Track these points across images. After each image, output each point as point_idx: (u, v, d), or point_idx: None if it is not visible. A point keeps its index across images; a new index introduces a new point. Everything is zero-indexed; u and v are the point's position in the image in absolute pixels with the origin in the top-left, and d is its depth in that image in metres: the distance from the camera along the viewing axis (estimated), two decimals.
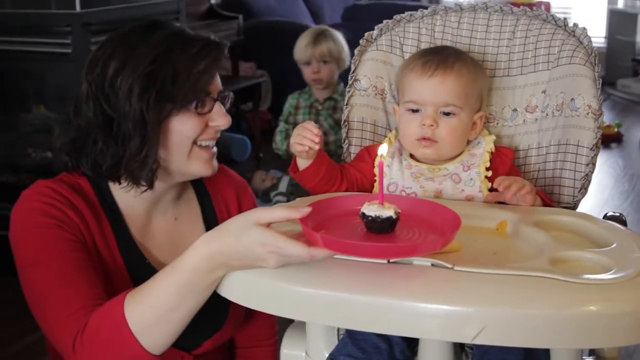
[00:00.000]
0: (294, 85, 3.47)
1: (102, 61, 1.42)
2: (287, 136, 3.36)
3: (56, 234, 1.40)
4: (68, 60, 3.30)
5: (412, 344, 1.36)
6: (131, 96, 1.39)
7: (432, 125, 1.49)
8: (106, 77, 1.40)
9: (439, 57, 1.52)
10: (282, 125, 3.41)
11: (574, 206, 1.54)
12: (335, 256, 1.17)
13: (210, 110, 1.46)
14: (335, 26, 5.52)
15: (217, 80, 1.49)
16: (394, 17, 1.70)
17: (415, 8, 1.73)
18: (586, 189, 1.52)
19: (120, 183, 1.46)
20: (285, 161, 3.45)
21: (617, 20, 7.28)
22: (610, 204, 4.29)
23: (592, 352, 1.46)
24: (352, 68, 1.67)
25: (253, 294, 1.23)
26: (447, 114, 1.50)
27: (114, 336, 1.27)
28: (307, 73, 3.31)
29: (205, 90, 1.45)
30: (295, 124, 3.31)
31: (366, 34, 1.68)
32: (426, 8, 1.72)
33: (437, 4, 1.73)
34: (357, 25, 5.12)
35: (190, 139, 1.45)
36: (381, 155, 1.25)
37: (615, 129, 5.67)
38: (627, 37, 7.23)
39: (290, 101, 3.41)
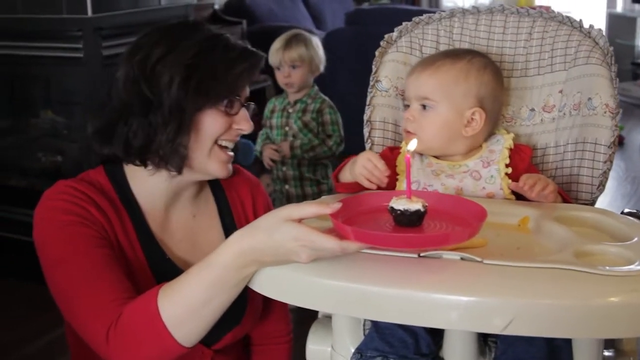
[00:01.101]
0: None
1: (146, 47, 1.48)
2: (267, 139, 3.42)
3: (81, 231, 1.43)
4: (79, 65, 3.32)
5: (436, 337, 1.39)
6: (171, 84, 1.44)
7: (409, 119, 1.56)
8: (149, 62, 1.46)
9: (428, 58, 1.61)
10: (263, 130, 3.48)
11: (592, 203, 1.57)
12: (367, 251, 1.20)
13: (236, 113, 1.52)
14: (338, 31, 5.59)
15: (247, 89, 1.55)
16: (413, 19, 1.73)
17: (417, 12, 1.78)
18: (604, 186, 1.55)
19: (146, 166, 1.50)
20: None
21: (616, 24, 7.33)
22: (613, 207, 4.32)
23: (610, 346, 1.49)
24: (374, 69, 1.70)
25: (284, 288, 1.26)
26: (424, 107, 1.55)
27: (147, 328, 1.30)
28: (279, 77, 3.36)
29: (237, 93, 1.51)
30: (270, 127, 3.39)
31: (386, 36, 1.72)
32: (433, 12, 1.77)
33: (437, 8, 1.76)
34: (360, 29, 5.18)
35: (213, 137, 1.50)
36: (407, 151, 1.28)
37: (618, 133, 5.69)
38: (626, 40, 7.27)
39: (268, 105, 3.47)
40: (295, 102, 3.37)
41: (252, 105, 1.58)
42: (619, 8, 7.79)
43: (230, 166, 1.56)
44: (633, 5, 7.48)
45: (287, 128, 3.36)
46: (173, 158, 1.47)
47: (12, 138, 3.80)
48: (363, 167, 1.49)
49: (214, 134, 1.50)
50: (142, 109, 1.46)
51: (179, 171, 1.50)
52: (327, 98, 3.38)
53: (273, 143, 3.38)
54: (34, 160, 3.72)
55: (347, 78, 3.92)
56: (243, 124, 1.54)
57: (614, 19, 7.48)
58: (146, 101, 1.45)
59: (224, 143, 1.53)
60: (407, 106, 1.59)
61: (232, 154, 1.56)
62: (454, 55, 1.59)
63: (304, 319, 1.63)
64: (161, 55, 1.46)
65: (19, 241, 3.52)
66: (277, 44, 3.35)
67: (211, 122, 1.49)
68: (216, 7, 5.71)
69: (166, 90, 1.44)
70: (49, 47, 3.39)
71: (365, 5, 7.20)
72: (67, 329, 1.60)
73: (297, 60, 3.29)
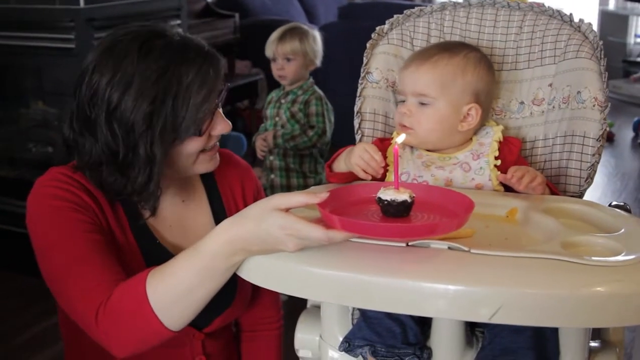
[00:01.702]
0: None
1: (102, 87, 1.42)
2: (265, 130, 3.44)
3: (72, 216, 1.44)
4: (71, 55, 3.33)
5: (424, 327, 1.40)
6: (134, 133, 1.42)
7: (405, 113, 1.56)
8: (110, 105, 1.41)
9: (423, 52, 1.61)
10: (264, 121, 3.51)
11: (580, 195, 1.58)
12: (355, 240, 1.21)
13: (209, 125, 1.50)
14: (330, 25, 5.60)
15: (217, 90, 1.50)
16: (404, 11, 1.74)
17: (410, 7, 1.77)
18: (592, 179, 1.56)
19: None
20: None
21: (608, 22, 7.35)
22: (603, 202, 4.32)
23: (597, 337, 1.50)
24: (365, 61, 1.71)
25: (273, 276, 1.27)
26: (422, 103, 1.55)
27: (135, 311, 1.31)
28: (273, 69, 3.39)
29: (205, 118, 1.48)
30: (265, 118, 3.44)
31: (377, 28, 1.72)
32: (425, 5, 1.77)
33: (430, 3, 1.76)
34: (353, 24, 5.19)
35: (194, 155, 1.51)
36: (395, 142, 1.29)
37: (608, 129, 5.73)
38: (618, 38, 7.31)
39: (268, 98, 3.51)
40: (287, 94, 3.39)
41: (224, 87, 1.51)
42: (611, 5, 7.82)
43: (217, 157, 1.57)
44: (625, 3, 7.52)
45: (277, 118, 3.39)
46: (147, 201, 1.50)
47: (2, 128, 3.79)
48: (359, 158, 1.49)
49: (194, 153, 1.50)
50: (110, 155, 1.44)
51: (153, 212, 1.53)
52: (318, 90, 3.39)
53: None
54: (25, 151, 3.73)
55: (339, 72, 3.93)
56: (219, 127, 1.51)
57: (606, 17, 7.51)
58: (111, 148, 1.44)
59: (207, 148, 1.53)
60: (402, 101, 1.60)
61: (217, 145, 1.56)
62: (450, 49, 1.59)
63: (294, 310, 1.63)
64: (118, 101, 1.41)
65: (9, 232, 3.52)
66: (273, 36, 3.37)
67: (187, 148, 1.48)
68: (209, 0, 5.70)
69: (129, 140, 1.42)
70: (40, 37, 3.40)
71: (358, 0, 7.21)
72: (60, 318, 1.61)
73: (290, 54, 3.31)
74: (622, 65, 7.34)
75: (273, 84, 5.38)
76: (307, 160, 3.40)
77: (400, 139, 1.33)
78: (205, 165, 1.55)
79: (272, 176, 3.41)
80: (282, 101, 3.39)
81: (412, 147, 1.59)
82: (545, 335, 1.35)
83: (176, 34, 1.49)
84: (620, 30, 7.40)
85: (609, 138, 5.74)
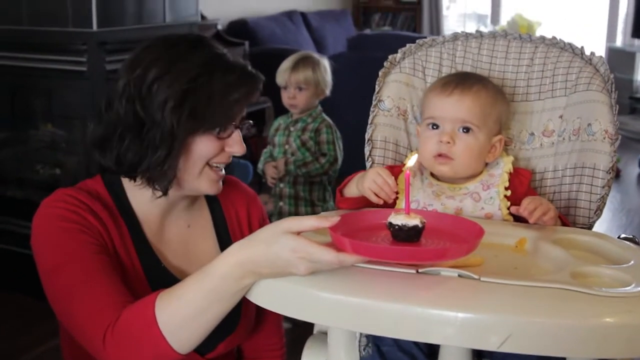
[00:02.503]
0: None
1: (144, 64, 1.46)
2: (270, 157, 3.43)
3: (79, 237, 1.44)
4: (82, 78, 3.33)
5: (433, 358, 1.40)
6: (165, 107, 1.43)
7: (448, 142, 1.53)
8: (145, 80, 1.45)
9: (459, 79, 1.58)
10: (267, 148, 3.49)
11: (589, 227, 1.58)
12: (365, 265, 1.21)
13: (229, 136, 1.51)
14: (339, 55, 5.62)
15: (244, 109, 1.54)
16: (417, 41, 1.75)
17: (419, 39, 1.78)
18: (601, 211, 1.57)
19: (135, 181, 1.51)
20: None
21: (616, 58, 7.38)
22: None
23: None
24: (377, 89, 1.72)
25: (281, 299, 1.27)
26: (466, 130, 1.54)
27: (143, 333, 1.31)
28: (284, 97, 3.36)
29: (232, 118, 1.50)
30: (273, 145, 3.40)
31: (390, 57, 1.74)
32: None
33: (438, 36, 1.78)
34: (362, 54, 5.22)
35: (204, 159, 1.50)
36: (408, 167, 1.30)
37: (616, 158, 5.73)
38: (625, 74, 7.33)
39: (274, 124, 3.49)
40: (297, 121, 3.39)
41: (249, 123, 1.57)
42: (619, 42, 7.85)
43: (220, 184, 1.57)
44: (633, 40, 7.54)
45: (287, 146, 3.38)
46: (161, 180, 1.48)
47: (11, 149, 3.80)
48: (372, 182, 1.49)
49: (205, 157, 1.50)
50: (135, 127, 1.46)
51: (165, 192, 1.50)
52: (327, 118, 3.39)
53: (274, 161, 3.41)
54: (33, 172, 3.72)
55: (348, 101, 3.94)
56: (235, 147, 1.53)
57: (613, 53, 7.53)
58: (139, 120, 1.46)
59: (215, 164, 1.53)
60: (433, 127, 1.56)
61: (223, 172, 1.56)
62: (481, 80, 1.59)
63: (297, 338, 1.63)
64: (157, 76, 1.45)
65: (15, 253, 3.52)
66: (285, 64, 3.35)
67: (203, 147, 1.49)
68: (219, 27, 5.74)
69: (159, 114, 1.44)
70: (52, 59, 3.41)
71: (368, 31, 7.26)
72: (63, 340, 1.61)
73: (302, 83, 3.30)
74: (629, 102, 7.36)
75: (280, 112, 5.41)
76: (317, 188, 3.40)
77: (411, 162, 1.34)
78: (209, 184, 1.54)
79: (281, 204, 3.40)
80: (292, 129, 3.39)
81: (422, 175, 1.60)
82: None
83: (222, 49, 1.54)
84: (628, 66, 7.42)
85: (616, 174, 5.73)
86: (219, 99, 1.45)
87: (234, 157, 1.56)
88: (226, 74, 1.47)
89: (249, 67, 1.52)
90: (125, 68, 1.49)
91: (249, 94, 1.50)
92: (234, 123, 1.51)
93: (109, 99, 1.50)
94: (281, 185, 3.39)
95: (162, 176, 1.47)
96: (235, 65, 1.50)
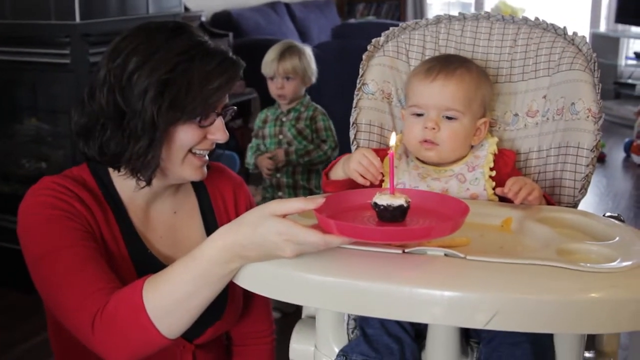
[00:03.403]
0: None
1: (124, 54, 1.46)
2: (257, 151, 3.41)
3: (65, 224, 1.44)
4: (66, 71, 3.32)
5: (421, 343, 1.40)
6: (145, 97, 1.43)
7: (434, 129, 1.54)
8: (125, 70, 1.44)
9: (442, 64, 1.57)
10: (253, 141, 3.46)
11: (574, 206, 1.59)
12: (351, 246, 1.21)
13: (211, 124, 1.51)
14: (324, 44, 5.62)
15: (226, 97, 1.53)
16: (400, 24, 1.75)
17: None
18: (586, 189, 1.57)
19: (119, 171, 1.51)
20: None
21: (599, 44, 7.39)
22: None
23: (591, 347, 1.50)
24: (360, 72, 1.72)
25: (269, 282, 1.27)
26: (449, 118, 1.54)
27: (131, 318, 1.31)
28: (272, 88, 3.34)
29: (213, 106, 1.49)
30: (263, 137, 3.38)
31: (373, 40, 1.74)
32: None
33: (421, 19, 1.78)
34: (347, 43, 5.21)
35: (187, 147, 1.50)
36: (391, 147, 1.29)
37: (600, 148, 5.76)
38: (609, 60, 7.35)
39: (260, 116, 3.46)
40: (289, 111, 3.37)
41: (232, 109, 1.56)
42: (602, 28, 7.88)
43: (204, 169, 1.57)
44: (616, 25, 7.57)
45: (280, 136, 3.36)
46: (144, 170, 1.48)
47: None
48: (358, 163, 1.49)
49: (188, 145, 1.50)
50: (117, 117, 1.46)
51: (149, 182, 1.51)
52: (319, 106, 3.39)
53: (266, 153, 3.38)
54: (18, 167, 3.71)
55: (333, 89, 3.93)
56: (218, 134, 1.53)
57: (597, 39, 7.55)
58: (120, 110, 1.46)
59: (198, 152, 1.53)
60: (418, 115, 1.57)
61: (206, 158, 1.56)
62: (465, 62, 1.59)
63: (287, 326, 1.63)
64: (137, 66, 1.44)
65: (3, 248, 3.50)
66: (271, 54, 3.34)
67: (184, 135, 1.49)
68: (203, 19, 5.72)
69: (140, 104, 1.43)
70: (36, 52, 3.39)
71: (352, 21, 7.25)
72: (51, 333, 1.61)
73: (290, 72, 3.29)
74: (614, 87, 7.40)
75: (266, 103, 5.41)
76: (314, 176, 3.39)
77: (392, 141, 1.33)
78: (192, 171, 1.54)
79: (280, 194, 3.38)
80: (284, 119, 3.37)
81: (407, 158, 1.60)
82: (542, 346, 1.34)
83: (203, 35, 1.53)
84: (611, 52, 7.45)
85: (601, 159, 5.76)
86: (198, 87, 1.45)
87: (219, 148, 1.56)
88: (205, 62, 1.46)
89: (230, 54, 1.51)
90: (106, 58, 1.49)
91: (229, 81, 1.49)
92: (215, 111, 1.51)
93: (91, 88, 1.49)
94: (278, 175, 3.37)
95: (145, 166, 1.47)
96: (216, 52, 1.49)
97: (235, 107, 1.58)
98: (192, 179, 1.57)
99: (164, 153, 1.48)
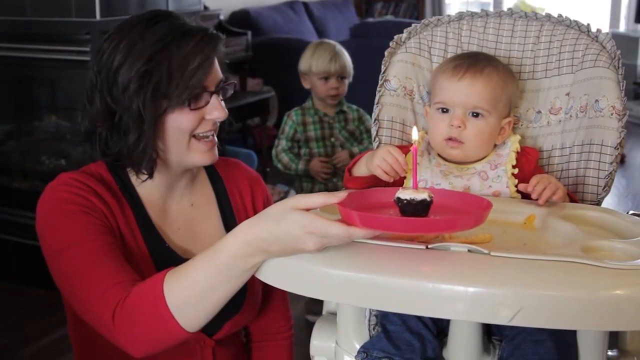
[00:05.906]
0: (300, 102, 3.48)
1: (107, 53, 1.48)
2: (297, 155, 3.32)
3: (84, 219, 1.45)
4: (86, 68, 3.32)
5: (443, 340, 1.39)
6: (128, 92, 1.45)
7: (459, 127, 1.53)
8: (110, 69, 1.46)
9: (470, 61, 1.57)
10: (285, 144, 3.34)
11: (597, 203, 1.58)
12: (374, 241, 1.21)
13: (205, 105, 1.51)
14: (343, 43, 5.61)
15: (216, 72, 1.52)
16: (422, 21, 1.75)
17: None
18: (609, 187, 1.56)
19: (126, 168, 1.54)
20: (292, 175, 3.43)
21: (619, 44, 7.27)
22: None
23: (614, 346, 1.49)
24: (383, 69, 1.71)
25: (291, 277, 1.26)
26: (476, 115, 1.54)
27: (151, 311, 1.31)
28: (324, 88, 3.27)
29: (199, 86, 1.49)
30: (307, 140, 3.27)
31: (395, 37, 1.73)
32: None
33: (442, 16, 1.77)
34: (365, 42, 5.22)
35: (187, 133, 1.51)
36: (414, 141, 1.29)
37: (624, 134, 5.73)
38: (629, 60, 7.30)
39: (295, 118, 3.34)
40: (336, 114, 3.32)
41: (232, 83, 1.56)
42: (622, 28, 7.84)
43: (215, 151, 1.57)
44: (636, 25, 7.53)
45: (332, 139, 3.30)
46: (142, 163, 1.50)
47: (16, 141, 3.81)
48: (382, 160, 1.48)
49: (186, 131, 1.51)
50: (109, 116, 1.48)
51: (151, 175, 1.52)
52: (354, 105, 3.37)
53: (311, 157, 3.29)
54: (38, 164, 3.73)
55: (351, 88, 3.94)
56: (215, 113, 1.52)
57: (616, 39, 7.34)
58: (111, 109, 1.47)
59: (202, 135, 1.53)
60: (443, 111, 1.57)
61: (215, 140, 1.56)
62: (492, 61, 1.59)
63: (305, 327, 1.63)
64: (120, 63, 1.45)
65: (22, 244, 3.52)
66: (324, 54, 3.27)
67: (179, 122, 1.49)
68: (222, 17, 5.73)
69: (125, 99, 1.45)
70: (56, 49, 3.41)
71: (370, 20, 7.25)
72: (70, 326, 1.62)
73: (345, 71, 3.26)
74: (633, 87, 7.34)
75: (283, 103, 5.41)
76: None
77: (414, 135, 1.33)
78: (201, 155, 1.54)
79: None
80: (331, 121, 3.31)
81: (429, 155, 1.60)
82: (566, 344, 1.33)
83: (184, 18, 1.53)
84: (631, 52, 7.40)
85: (621, 159, 5.72)
86: (179, 72, 1.45)
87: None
88: (182, 45, 1.46)
89: (209, 30, 1.51)
90: (94, 59, 1.51)
91: (209, 57, 1.49)
92: (207, 90, 1.51)
93: (88, 93, 1.52)
94: (335, 180, 3.28)
95: (141, 159, 1.49)
96: (192, 32, 1.49)
97: (234, 82, 1.58)
98: (203, 164, 1.57)
99: (161, 144, 1.50)
